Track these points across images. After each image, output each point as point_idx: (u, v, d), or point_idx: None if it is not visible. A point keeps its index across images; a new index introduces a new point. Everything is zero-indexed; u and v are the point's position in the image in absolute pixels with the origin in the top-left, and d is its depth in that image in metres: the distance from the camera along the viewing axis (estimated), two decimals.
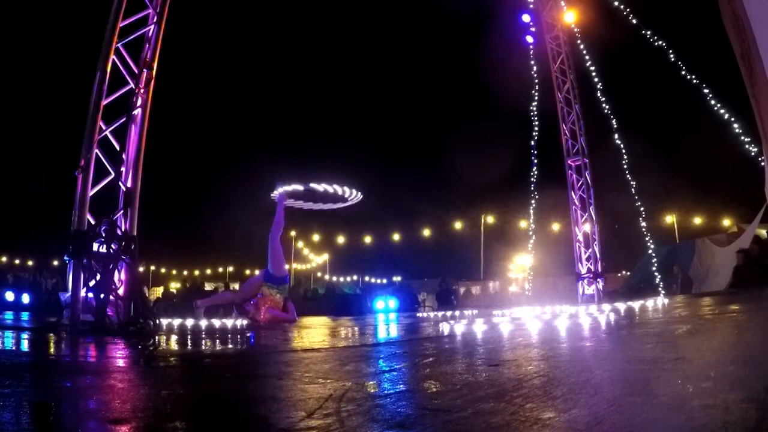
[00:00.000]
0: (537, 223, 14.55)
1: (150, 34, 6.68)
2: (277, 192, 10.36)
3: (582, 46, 12.75)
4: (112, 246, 6.00)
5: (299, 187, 10.20)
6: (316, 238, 30.01)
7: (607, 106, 12.57)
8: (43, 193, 15.31)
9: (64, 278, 6.66)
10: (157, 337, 5.69)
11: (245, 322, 9.04)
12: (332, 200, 11.02)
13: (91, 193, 6.07)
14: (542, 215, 15.92)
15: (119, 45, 6.37)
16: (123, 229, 6.22)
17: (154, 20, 6.67)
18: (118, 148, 6.39)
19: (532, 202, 13.94)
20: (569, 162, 13.39)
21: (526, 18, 13.17)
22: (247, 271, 31.87)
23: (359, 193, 10.77)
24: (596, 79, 12.66)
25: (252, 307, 9.41)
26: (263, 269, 9.77)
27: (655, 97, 16.46)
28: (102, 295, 5.83)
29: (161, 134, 8.68)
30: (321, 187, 10.32)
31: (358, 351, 4.62)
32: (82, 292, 5.84)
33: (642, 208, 12.42)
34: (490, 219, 24.68)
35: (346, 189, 10.62)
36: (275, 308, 9.38)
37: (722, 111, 10.72)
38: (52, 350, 4.71)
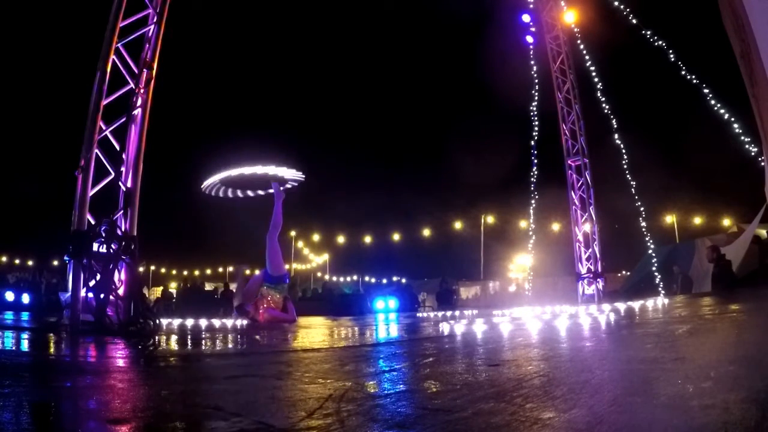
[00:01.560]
0: (537, 223, 14.57)
1: (150, 34, 6.68)
2: (210, 186, 10.01)
3: (582, 46, 12.76)
4: (112, 246, 6.00)
5: (232, 173, 9.64)
6: (316, 238, 30.01)
7: (607, 106, 12.58)
8: (43, 193, 15.32)
9: (64, 278, 6.66)
10: (157, 337, 5.70)
11: (245, 322, 9.04)
12: (266, 183, 10.14)
13: (91, 193, 6.07)
14: (542, 215, 15.95)
15: (119, 45, 6.37)
16: (123, 229, 6.22)
17: (154, 20, 6.67)
18: (118, 148, 6.39)
19: (532, 202, 13.95)
20: (569, 162, 13.39)
21: (526, 18, 13.17)
22: (247, 271, 31.80)
23: (294, 174, 9.88)
24: (596, 79, 12.67)
25: (252, 307, 9.41)
26: (263, 269, 9.75)
27: (655, 97, 16.48)
28: (102, 295, 5.83)
29: (162, 134, 8.68)
30: (254, 170, 9.62)
31: (358, 351, 4.62)
32: (82, 292, 5.84)
33: (642, 208, 12.43)
34: (490, 219, 24.69)
35: (280, 173, 9.80)
36: (275, 308, 9.38)
37: (722, 111, 10.72)
38: (52, 350, 4.71)
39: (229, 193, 10.32)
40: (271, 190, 10.19)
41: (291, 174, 9.91)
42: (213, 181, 10.07)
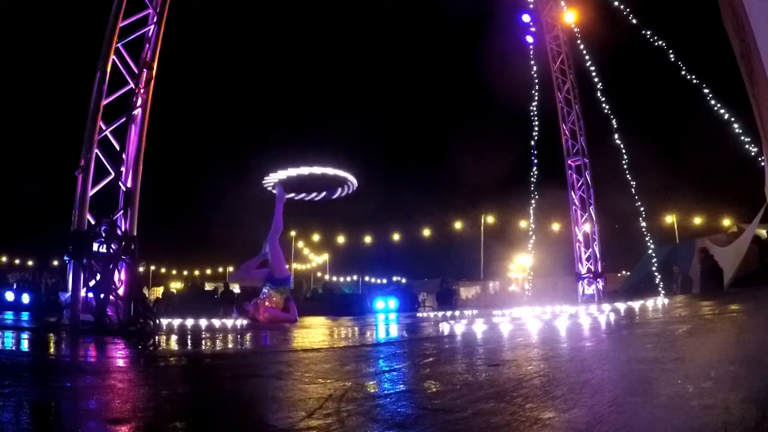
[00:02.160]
0: (537, 223, 14.55)
1: (150, 34, 6.68)
2: (272, 183, 10.14)
3: (582, 46, 12.76)
4: (112, 246, 6.00)
5: (294, 174, 9.90)
6: (316, 238, 29.98)
7: (607, 106, 12.57)
8: (43, 193, 15.32)
9: (64, 278, 6.66)
10: (157, 337, 5.70)
11: (245, 322, 9.05)
12: (330, 186, 10.53)
13: (91, 193, 6.07)
14: (542, 215, 15.93)
15: (119, 45, 6.37)
16: (123, 229, 6.22)
17: (154, 20, 6.67)
18: (118, 148, 6.39)
19: (532, 202, 13.94)
20: (569, 162, 13.39)
21: (526, 18, 13.17)
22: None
23: (354, 179, 10.31)
24: (596, 79, 12.66)
25: (252, 306, 9.42)
26: (265, 268, 9.77)
27: (655, 97, 16.47)
28: (102, 295, 5.83)
29: (162, 134, 8.69)
30: (317, 170, 9.95)
31: (358, 351, 4.62)
32: (82, 292, 5.84)
33: (642, 208, 12.42)
34: (490, 219, 24.67)
35: (343, 173, 10.20)
36: (275, 308, 9.40)
37: (722, 111, 10.72)
38: (52, 350, 4.71)
39: (290, 194, 10.41)
40: (334, 194, 10.42)
41: (349, 178, 10.17)
42: (275, 179, 10.15)
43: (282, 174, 10.09)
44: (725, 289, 10.34)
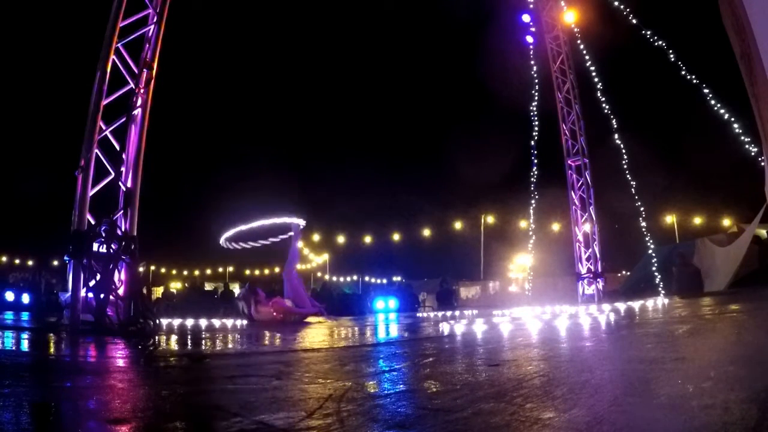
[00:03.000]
0: (537, 223, 14.55)
1: (150, 34, 6.68)
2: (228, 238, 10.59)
3: (582, 46, 12.75)
4: (112, 246, 6.00)
5: (243, 228, 10.61)
6: (316, 238, 29.95)
7: (607, 106, 12.57)
8: (43, 193, 15.32)
9: (64, 278, 6.66)
10: (157, 337, 5.70)
11: (245, 321, 9.05)
12: (278, 232, 11.25)
13: (91, 193, 6.07)
14: (542, 215, 15.91)
15: (119, 45, 6.37)
16: (123, 229, 6.22)
17: (154, 20, 6.67)
18: (118, 148, 6.39)
19: (532, 202, 13.93)
20: (569, 162, 13.38)
21: (526, 18, 13.16)
22: (247, 271, 31.85)
23: (301, 220, 10.98)
24: (596, 79, 12.66)
25: (250, 305, 9.44)
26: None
27: (655, 97, 16.47)
28: (102, 295, 5.83)
29: (162, 134, 8.70)
30: (263, 222, 10.66)
31: (358, 351, 4.62)
32: (82, 292, 5.83)
33: (642, 208, 12.42)
34: (490, 219, 24.65)
35: (287, 218, 10.88)
36: (282, 303, 9.52)
37: (722, 111, 10.72)
38: (52, 350, 4.71)
39: (247, 244, 11.20)
40: (283, 236, 10.92)
41: (295, 221, 10.85)
42: (229, 236, 10.93)
43: (230, 232, 10.86)
44: (724, 290, 10.34)
